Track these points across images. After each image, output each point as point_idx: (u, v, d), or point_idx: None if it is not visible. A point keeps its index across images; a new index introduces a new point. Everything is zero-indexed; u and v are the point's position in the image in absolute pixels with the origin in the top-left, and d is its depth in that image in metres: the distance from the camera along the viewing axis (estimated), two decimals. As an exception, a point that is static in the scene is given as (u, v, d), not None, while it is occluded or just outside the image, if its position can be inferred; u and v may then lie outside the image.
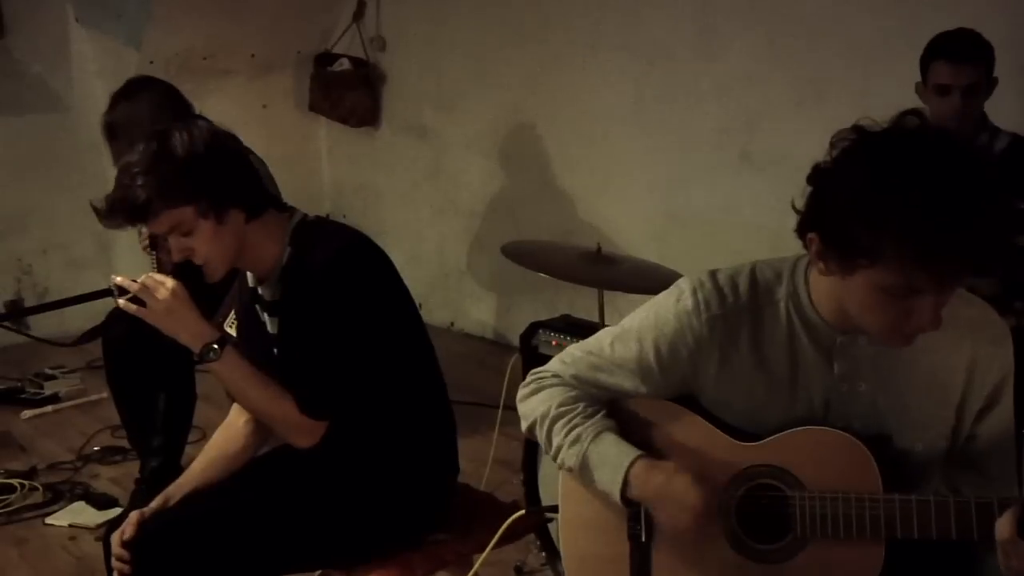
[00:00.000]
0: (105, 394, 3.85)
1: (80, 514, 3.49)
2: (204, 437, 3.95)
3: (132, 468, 3.69)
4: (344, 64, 5.39)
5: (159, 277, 2.04)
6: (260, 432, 2.27)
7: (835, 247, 1.46)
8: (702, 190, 4.24)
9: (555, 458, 1.76)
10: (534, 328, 3.97)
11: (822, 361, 1.61)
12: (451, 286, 5.44)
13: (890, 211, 1.37)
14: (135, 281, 2.03)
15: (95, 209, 3.35)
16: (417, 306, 2.25)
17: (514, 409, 3.82)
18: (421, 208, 5.53)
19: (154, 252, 3.43)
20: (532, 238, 4.85)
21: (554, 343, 3.83)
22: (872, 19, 3.63)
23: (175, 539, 2.02)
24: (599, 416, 1.72)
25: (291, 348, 2.14)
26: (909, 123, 1.46)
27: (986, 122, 2.96)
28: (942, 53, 2.89)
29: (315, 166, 5.98)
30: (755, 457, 1.63)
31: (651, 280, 3.06)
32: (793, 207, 1.54)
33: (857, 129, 1.49)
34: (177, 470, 3.49)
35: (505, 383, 3.69)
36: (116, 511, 3.48)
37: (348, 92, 5.42)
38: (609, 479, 1.66)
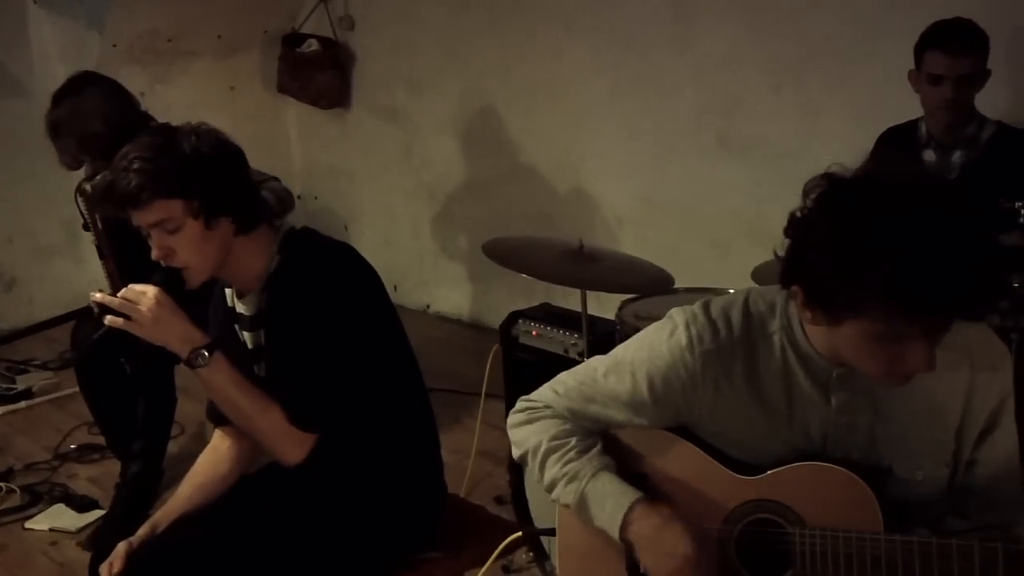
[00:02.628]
0: (77, 388, 3.79)
1: (60, 517, 3.46)
2: (183, 432, 3.94)
3: (111, 467, 3.66)
4: (313, 45, 5.28)
5: (139, 287, 1.99)
6: (245, 455, 2.25)
7: (818, 301, 1.44)
8: (679, 175, 4.21)
9: (549, 491, 1.75)
10: (514, 318, 3.96)
11: (818, 394, 1.60)
12: (426, 268, 5.40)
13: (869, 268, 1.34)
14: (115, 296, 1.99)
15: (83, 192, 3.30)
16: (399, 321, 2.22)
17: (495, 397, 3.89)
18: (394, 190, 5.47)
19: (102, 261, 3.37)
20: (507, 222, 4.86)
21: (534, 333, 3.83)
22: (850, 5, 3.60)
23: (165, 570, 2.00)
24: (595, 452, 1.71)
25: (279, 357, 2.10)
26: (881, 168, 1.44)
27: (973, 111, 2.97)
28: (938, 43, 2.88)
29: (285, 148, 5.89)
30: (754, 492, 1.63)
31: (634, 277, 3.06)
32: (776, 255, 1.53)
33: (829, 177, 1.46)
34: (159, 474, 3.48)
35: (487, 373, 3.69)
36: (97, 513, 3.46)
37: (317, 73, 5.32)
38: (608, 519, 1.65)
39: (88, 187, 3.20)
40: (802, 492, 1.60)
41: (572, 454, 1.70)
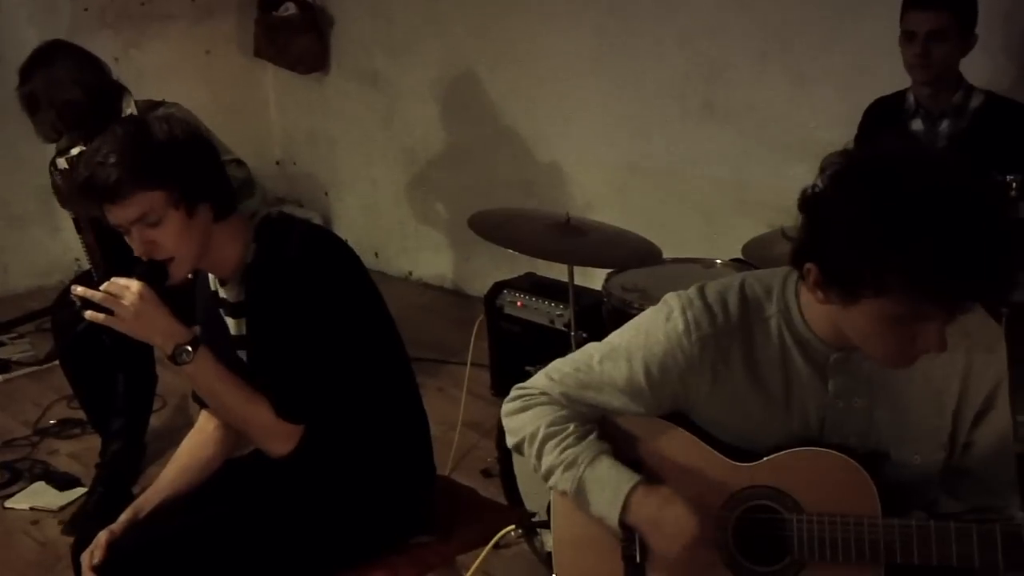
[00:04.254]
0: (57, 361, 3.74)
1: (41, 496, 3.42)
2: (165, 406, 3.89)
3: (92, 442, 3.62)
4: (290, 9, 5.18)
5: (123, 281, 1.94)
6: (231, 437, 2.21)
7: (836, 280, 1.42)
8: (664, 140, 4.17)
9: (546, 479, 1.72)
10: (498, 288, 3.93)
11: (816, 378, 1.58)
12: (408, 235, 5.35)
13: (896, 248, 1.33)
14: (98, 290, 1.94)
15: (55, 188, 3.23)
16: (384, 304, 2.18)
17: (479, 366, 3.85)
18: (375, 156, 5.40)
19: (80, 234, 3.31)
20: (489, 187, 4.81)
21: (519, 304, 3.81)
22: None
23: (148, 560, 1.96)
24: (592, 438, 1.68)
25: (263, 349, 2.06)
26: (898, 147, 1.43)
27: (961, 80, 2.95)
28: (910, 0, 2.90)
29: (263, 113, 5.80)
30: (751, 478, 1.61)
31: (622, 251, 3.02)
32: (784, 234, 1.50)
33: (847, 154, 1.45)
34: (140, 451, 3.45)
35: (472, 342, 3.66)
36: (79, 491, 3.42)
37: (295, 37, 5.23)
38: (607, 504, 1.63)
39: (64, 162, 3.12)
40: (799, 478, 1.59)
41: (570, 440, 1.68)
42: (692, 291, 1.63)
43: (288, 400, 2.00)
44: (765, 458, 1.61)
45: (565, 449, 1.68)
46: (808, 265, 1.46)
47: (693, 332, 1.59)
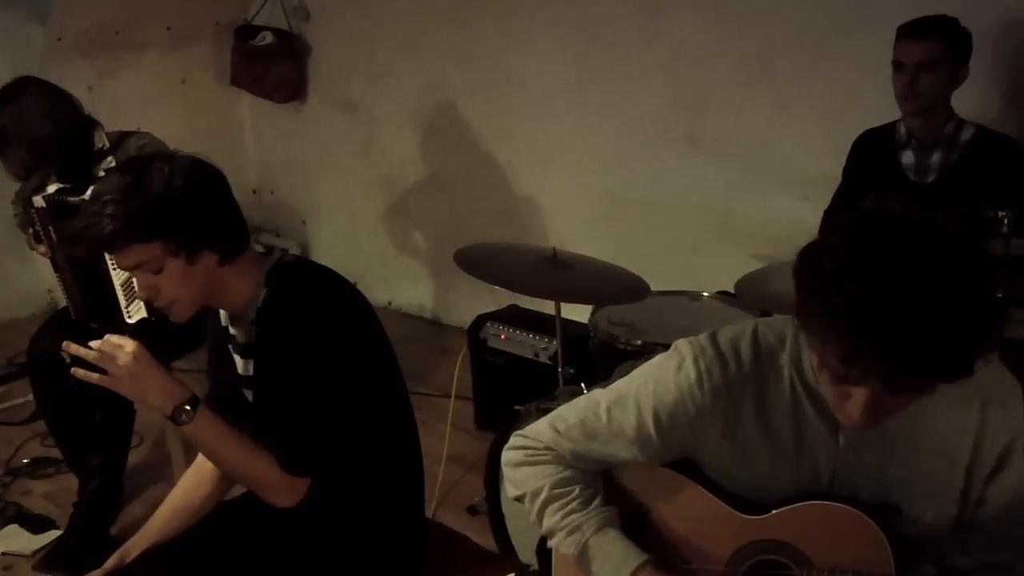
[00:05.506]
0: (30, 396, 3.65)
1: (15, 539, 3.32)
2: (142, 442, 3.81)
3: (67, 481, 3.53)
4: (267, 38, 5.14)
5: (116, 340, 1.88)
6: (228, 478, 2.15)
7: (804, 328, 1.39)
8: (647, 170, 4.15)
9: (547, 537, 1.69)
10: (482, 320, 3.88)
11: (827, 430, 1.55)
12: (388, 264, 5.30)
13: (847, 303, 1.27)
14: (90, 348, 1.87)
15: (32, 203, 3.14)
16: (393, 354, 2.13)
17: (463, 398, 3.80)
18: (353, 185, 5.35)
19: (42, 242, 3.22)
20: (469, 217, 4.78)
21: (503, 336, 3.76)
22: (820, 1, 3.54)
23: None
24: (597, 503, 1.66)
25: (268, 398, 2.01)
26: (883, 206, 1.36)
27: (951, 113, 2.95)
28: (903, 29, 2.92)
29: (238, 141, 5.75)
30: (761, 531, 1.57)
31: (611, 286, 2.98)
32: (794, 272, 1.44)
33: (845, 213, 1.40)
34: (119, 489, 3.36)
35: (455, 374, 3.61)
36: (54, 534, 3.32)
37: (272, 66, 5.18)
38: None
39: (41, 200, 3.06)
40: (809, 532, 1.55)
41: (575, 504, 1.65)
42: (704, 339, 1.60)
43: (294, 455, 1.95)
44: (775, 511, 1.57)
45: (570, 513, 1.65)
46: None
47: (705, 382, 1.56)
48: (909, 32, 2.89)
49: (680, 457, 1.64)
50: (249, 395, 2.08)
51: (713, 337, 1.59)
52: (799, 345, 1.55)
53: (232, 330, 2.07)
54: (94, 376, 1.85)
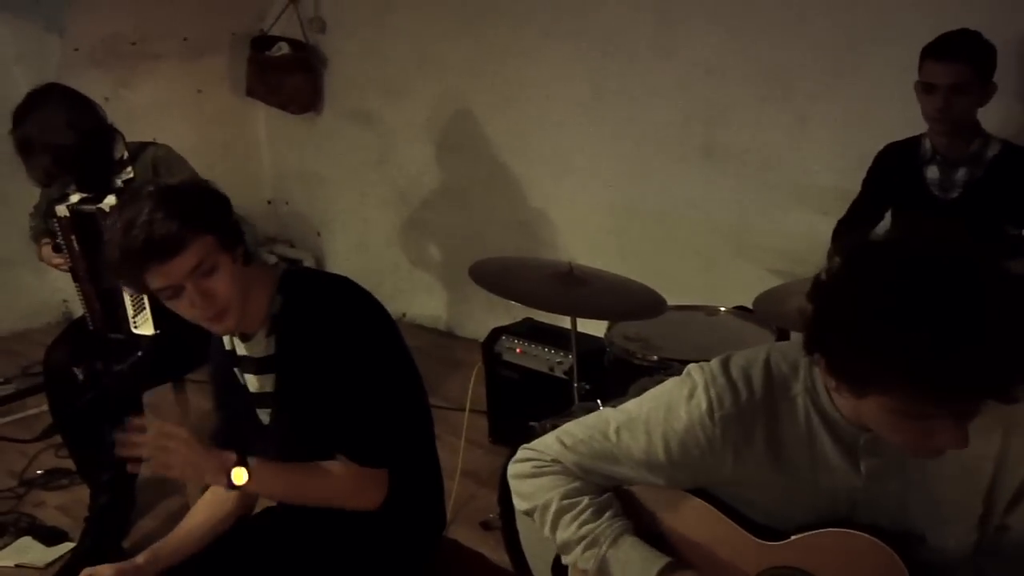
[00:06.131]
0: (45, 407, 3.65)
1: (27, 552, 3.32)
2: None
3: (81, 493, 3.53)
4: (283, 48, 5.14)
5: (164, 430, 1.87)
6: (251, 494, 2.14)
7: (841, 374, 1.36)
8: (662, 184, 4.13)
9: (561, 552, 1.67)
10: (497, 334, 3.86)
11: (846, 459, 1.52)
12: (402, 276, 5.29)
13: (895, 348, 1.25)
14: (140, 442, 1.87)
15: (55, 214, 3.15)
16: (413, 361, 2.13)
17: (477, 412, 3.77)
18: (368, 196, 5.35)
19: (61, 252, 3.22)
20: (484, 229, 4.76)
21: (518, 350, 3.74)
22: (839, 15, 3.52)
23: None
24: (610, 514, 1.63)
25: (300, 402, 2.01)
26: (910, 235, 1.34)
27: (979, 129, 2.91)
28: (931, 51, 2.86)
29: (254, 152, 5.75)
30: (777, 558, 1.55)
31: (626, 300, 2.96)
32: (809, 293, 1.42)
33: (854, 241, 1.38)
34: (130, 504, 3.35)
35: (470, 389, 3.59)
36: (67, 546, 3.32)
37: (287, 77, 5.18)
38: None
39: (64, 209, 3.06)
40: (828, 559, 1.52)
41: (587, 515, 1.62)
42: (716, 365, 1.57)
43: (366, 447, 1.96)
44: (793, 537, 1.54)
45: (583, 525, 1.62)
46: (817, 355, 1.40)
47: (716, 411, 1.53)
48: (936, 53, 2.82)
49: (691, 486, 1.62)
50: (264, 415, 2.06)
51: (725, 364, 1.57)
52: (813, 373, 1.53)
53: (242, 350, 2.06)
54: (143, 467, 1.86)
